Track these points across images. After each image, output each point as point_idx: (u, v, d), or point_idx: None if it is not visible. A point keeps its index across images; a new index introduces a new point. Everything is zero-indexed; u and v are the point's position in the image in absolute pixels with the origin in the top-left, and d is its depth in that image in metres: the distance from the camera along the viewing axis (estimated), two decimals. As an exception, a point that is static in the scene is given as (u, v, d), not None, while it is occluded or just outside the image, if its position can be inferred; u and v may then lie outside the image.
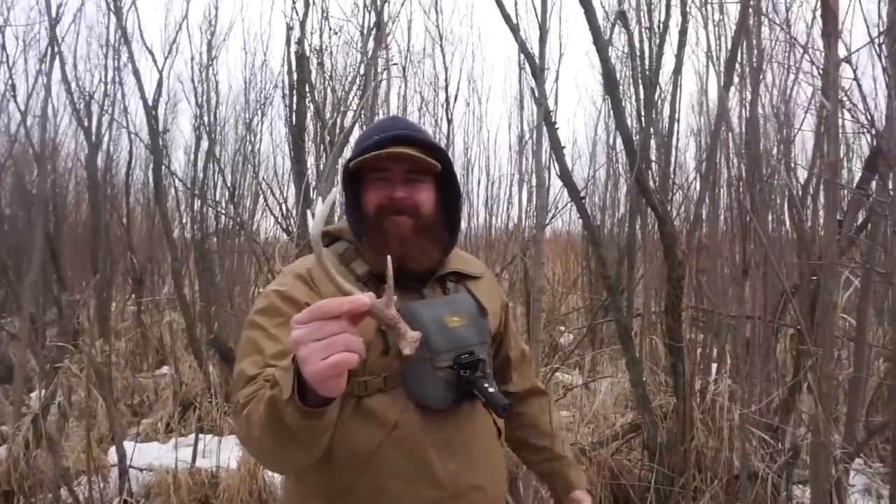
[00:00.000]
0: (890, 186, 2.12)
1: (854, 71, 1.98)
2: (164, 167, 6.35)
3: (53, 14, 5.41)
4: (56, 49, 5.55)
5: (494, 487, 1.27)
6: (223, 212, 6.82)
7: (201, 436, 4.62)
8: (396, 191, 1.23)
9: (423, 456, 1.14)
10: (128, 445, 4.03)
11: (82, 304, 6.67)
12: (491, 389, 1.15)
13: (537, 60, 3.06)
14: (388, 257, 0.86)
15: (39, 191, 5.38)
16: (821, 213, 4.09)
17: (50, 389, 4.16)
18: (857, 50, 1.96)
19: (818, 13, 2.99)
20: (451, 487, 1.16)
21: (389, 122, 1.37)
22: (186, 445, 4.51)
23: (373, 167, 1.24)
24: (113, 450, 4.15)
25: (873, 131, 2.08)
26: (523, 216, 5.22)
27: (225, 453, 4.30)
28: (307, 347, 0.76)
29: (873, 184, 2.87)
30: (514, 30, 3.30)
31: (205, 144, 6.74)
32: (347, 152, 4.87)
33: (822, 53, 2.39)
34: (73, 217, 8.73)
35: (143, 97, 5.82)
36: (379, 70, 4.53)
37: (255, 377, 1.04)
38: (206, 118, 6.61)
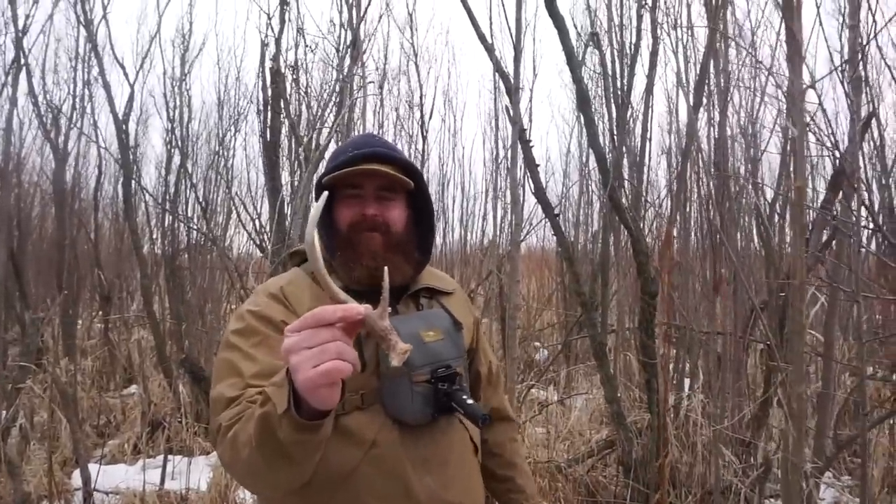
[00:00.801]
0: (853, 207, 2.19)
1: (819, 96, 2.05)
2: (134, 182, 6.24)
3: (21, 25, 5.32)
4: (23, 61, 5.44)
5: (473, 503, 1.27)
6: (195, 227, 6.72)
7: (170, 457, 4.51)
8: (368, 207, 1.24)
9: (400, 473, 1.14)
10: (93, 468, 3.91)
11: (46, 321, 6.48)
12: (469, 401, 1.15)
13: (512, 80, 3.10)
14: (385, 269, 0.85)
15: (3, 205, 5.24)
16: (787, 230, 4.20)
17: (11, 411, 4.01)
18: (822, 78, 2.03)
19: (783, 38, 3.10)
20: None
21: (364, 139, 1.37)
22: (155, 467, 4.39)
23: (346, 183, 1.24)
24: (77, 473, 4.02)
25: (837, 154, 2.15)
26: (498, 232, 5.25)
27: (195, 475, 4.19)
28: (298, 355, 0.75)
29: (836, 204, 2.97)
30: (490, 49, 3.34)
31: (177, 159, 6.65)
32: (322, 169, 4.85)
33: (787, 77, 2.47)
34: (38, 232, 8.51)
35: (113, 111, 5.73)
36: (355, 87, 4.54)
37: (236, 399, 1.02)
38: (178, 133, 6.53)
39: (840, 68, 1.87)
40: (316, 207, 0.81)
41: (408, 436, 1.16)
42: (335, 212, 1.26)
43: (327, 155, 4.10)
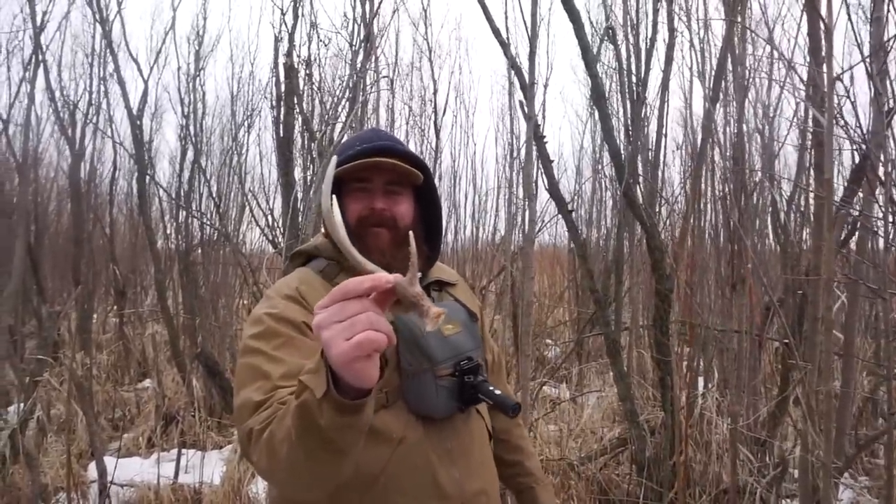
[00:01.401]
0: (881, 202, 2.14)
1: (846, 88, 2.01)
2: (148, 177, 6.28)
3: (38, 22, 5.37)
4: (40, 57, 5.49)
5: (494, 490, 1.28)
6: (208, 223, 6.76)
7: (184, 451, 4.54)
8: (377, 201, 1.23)
9: (428, 468, 1.13)
10: (108, 461, 3.95)
11: (63, 315, 6.55)
12: (497, 391, 1.15)
13: (527, 76, 3.08)
14: (411, 233, 0.83)
15: (21, 200, 5.29)
16: (805, 227, 4.15)
17: (29, 403, 4.06)
18: (851, 68, 1.99)
19: (804, 30, 3.05)
20: (456, 496, 1.15)
21: (372, 133, 1.36)
22: (169, 461, 4.43)
23: (354, 177, 1.24)
24: (93, 465, 4.06)
25: (863, 146, 2.11)
26: (511, 228, 5.22)
27: (208, 469, 4.22)
28: (329, 330, 0.72)
29: (856, 198, 2.92)
30: (505, 45, 3.32)
31: (190, 155, 6.69)
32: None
33: (807, 69, 2.43)
34: (55, 227, 8.61)
35: (127, 107, 5.78)
36: (368, 83, 4.53)
37: (265, 402, 0.99)
38: (192, 128, 6.57)
39: (867, 60, 1.83)
40: (328, 175, 0.80)
41: (432, 430, 1.16)
42: (343, 206, 1.25)
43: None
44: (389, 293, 0.75)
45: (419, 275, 1.18)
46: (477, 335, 1.27)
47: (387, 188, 1.25)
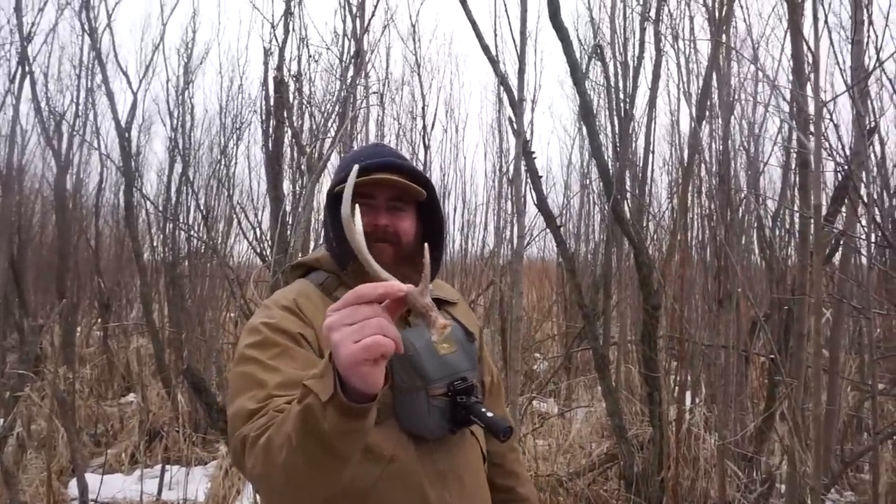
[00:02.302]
0: (863, 222, 2.18)
1: (830, 112, 2.05)
2: (135, 189, 6.24)
3: (25, 33, 5.34)
4: (27, 68, 5.45)
5: None
6: (196, 235, 6.71)
7: (168, 467, 4.47)
8: (380, 217, 1.23)
9: (418, 489, 1.12)
10: (90, 478, 3.87)
11: (46, 329, 6.45)
12: (489, 414, 1.13)
13: (516, 93, 3.10)
14: (426, 245, 0.84)
15: (4, 212, 5.23)
16: (791, 243, 4.20)
17: (9, 419, 3.98)
18: (836, 97, 2.03)
19: (787, 52, 3.11)
20: None
21: (374, 148, 1.36)
22: (152, 477, 4.36)
23: (357, 193, 1.23)
24: (74, 483, 3.98)
25: (846, 167, 2.15)
26: (500, 242, 5.24)
27: (193, 485, 4.16)
28: (339, 332, 0.74)
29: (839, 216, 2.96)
30: (494, 62, 3.35)
31: (178, 167, 6.65)
32: (324, 179, 4.84)
33: (793, 90, 2.47)
34: (39, 239, 8.50)
35: (115, 119, 5.74)
36: (358, 98, 4.54)
37: (259, 410, 0.99)
38: (180, 141, 6.54)
39: (851, 86, 1.87)
40: (349, 183, 0.81)
41: (424, 450, 1.14)
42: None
43: (331, 165, 4.09)
44: (401, 302, 0.77)
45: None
46: (473, 356, 1.26)
47: (390, 204, 1.24)
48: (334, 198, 1.26)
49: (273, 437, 0.91)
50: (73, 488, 4.01)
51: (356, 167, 0.85)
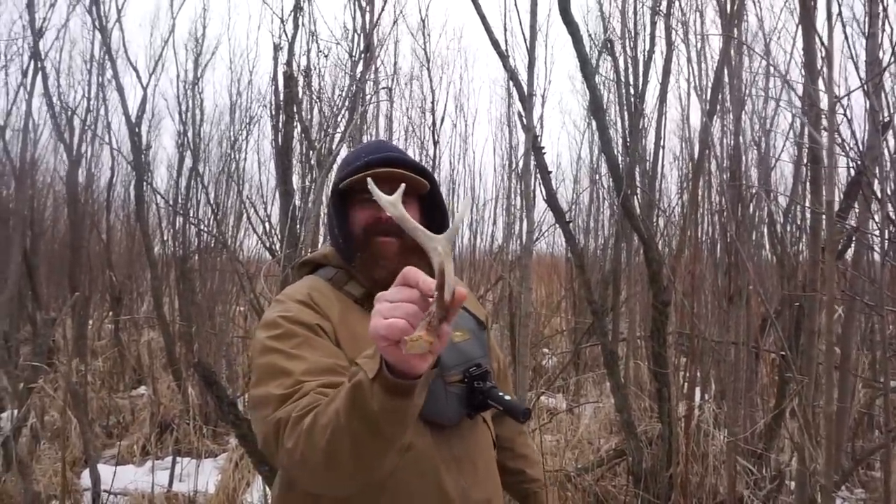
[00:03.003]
0: (877, 219, 2.16)
1: (843, 108, 2.03)
2: (146, 184, 6.28)
3: (37, 28, 5.38)
4: (39, 64, 5.49)
5: (498, 499, 1.29)
6: (205, 229, 6.75)
7: (179, 459, 4.52)
8: (383, 211, 1.24)
9: (435, 475, 1.14)
10: (102, 469, 3.92)
11: (58, 321, 6.52)
12: (507, 397, 1.16)
13: (526, 88, 3.09)
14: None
15: (18, 206, 5.28)
16: (802, 239, 4.16)
17: (23, 410, 4.03)
18: (850, 93, 2.01)
19: (799, 46, 3.07)
20: None
21: (376, 144, 1.39)
22: (163, 469, 4.40)
23: (360, 188, 1.24)
24: (86, 473, 4.03)
25: (859, 163, 2.13)
26: (509, 238, 5.23)
27: (203, 477, 4.20)
28: (379, 303, 0.77)
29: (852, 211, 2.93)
30: (504, 57, 3.34)
31: (188, 161, 6.69)
32: (334, 173, 4.84)
33: (805, 85, 2.45)
34: (51, 233, 8.58)
35: (126, 113, 5.78)
36: (368, 93, 4.54)
37: (290, 396, 1.00)
38: (190, 135, 6.57)
39: (865, 82, 1.85)
40: (398, 192, 0.84)
41: (440, 437, 1.16)
42: (350, 217, 1.27)
43: (340, 160, 4.09)
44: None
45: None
46: (484, 343, 1.30)
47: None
48: (339, 194, 1.28)
49: (318, 417, 0.92)
50: (85, 479, 4.05)
51: (402, 186, 0.87)
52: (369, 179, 0.86)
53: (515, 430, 1.50)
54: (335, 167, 4.57)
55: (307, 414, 0.95)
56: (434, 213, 1.34)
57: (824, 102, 1.86)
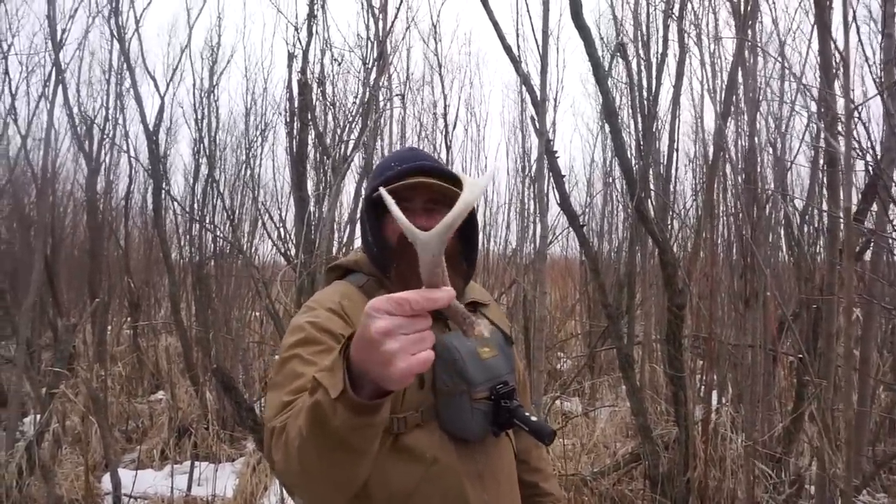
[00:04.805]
0: (894, 222, 2.14)
1: (858, 111, 2.01)
2: (163, 191, 6.36)
3: (58, 40, 5.48)
4: (59, 75, 5.60)
5: None
6: (222, 236, 6.82)
7: (197, 463, 4.56)
8: (417, 219, 1.23)
9: (459, 491, 1.13)
10: (122, 473, 3.97)
11: (79, 328, 6.62)
12: (533, 418, 1.15)
13: (538, 93, 3.10)
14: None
15: (40, 214, 5.37)
16: (819, 241, 4.12)
17: (45, 416, 4.10)
18: (867, 101, 2.00)
19: (814, 47, 3.06)
20: None
21: (408, 153, 1.38)
22: (182, 473, 4.45)
23: (394, 196, 1.24)
24: (107, 477, 4.08)
25: (874, 165, 2.11)
26: (523, 242, 5.23)
27: (221, 481, 4.24)
28: (397, 341, 0.71)
29: (870, 214, 2.90)
30: (516, 62, 3.36)
31: (205, 169, 6.77)
32: (348, 179, 4.87)
33: (821, 89, 2.43)
34: (70, 240, 8.72)
35: (144, 122, 5.86)
36: (381, 100, 4.57)
37: (291, 403, 1.00)
38: (206, 143, 6.66)
39: (882, 89, 1.83)
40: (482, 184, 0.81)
41: (464, 452, 1.16)
42: (384, 227, 1.27)
43: (354, 166, 4.13)
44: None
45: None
46: (511, 359, 1.28)
47: (426, 206, 1.26)
48: (372, 203, 1.27)
49: (288, 428, 0.92)
50: (106, 483, 4.11)
51: (383, 191, 0.85)
52: (383, 191, 0.84)
53: (532, 443, 1.47)
54: (350, 173, 4.61)
55: (285, 425, 0.94)
56: (469, 220, 1.30)
57: (840, 106, 1.85)
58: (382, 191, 0.84)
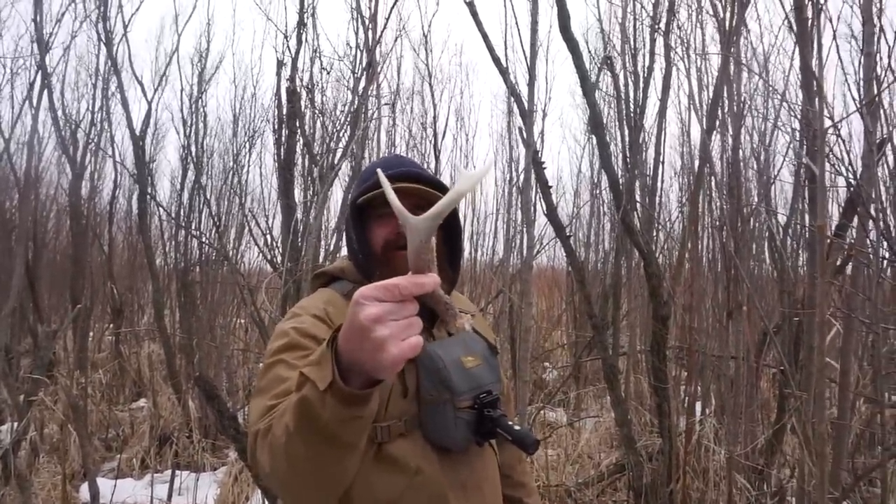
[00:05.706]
0: (871, 236, 2.17)
1: (837, 128, 2.05)
2: (148, 196, 6.31)
3: (44, 44, 5.44)
4: (45, 79, 5.55)
5: None
6: (207, 242, 6.77)
7: (178, 472, 4.50)
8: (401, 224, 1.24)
9: (443, 501, 1.13)
10: (101, 482, 3.90)
11: (59, 334, 6.53)
12: (517, 427, 1.15)
13: (526, 104, 3.13)
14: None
15: (22, 218, 5.31)
16: (801, 255, 4.17)
17: (22, 423, 4.03)
18: (843, 119, 2.03)
19: (796, 64, 3.11)
20: None
21: (393, 159, 1.39)
22: (162, 482, 4.39)
23: (378, 203, 1.25)
24: (85, 487, 4.02)
25: (853, 180, 2.15)
26: (510, 253, 5.25)
27: (202, 490, 4.19)
28: (387, 327, 0.71)
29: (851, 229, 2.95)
30: (505, 73, 3.38)
31: (191, 175, 6.73)
32: (335, 187, 4.87)
33: (802, 105, 2.48)
34: (52, 245, 8.62)
35: (130, 127, 5.82)
36: (370, 109, 4.59)
37: (274, 407, 0.99)
38: (193, 149, 6.62)
39: (860, 106, 1.87)
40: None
41: (448, 462, 1.16)
42: (368, 232, 1.27)
43: (342, 174, 4.13)
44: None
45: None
46: (496, 369, 1.27)
47: (412, 212, 1.27)
48: (357, 209, 1.28)
49: (275, 429, 0.91)
50: (84, 492, 4.04)
51: (380, 171, 0.85)
52: (382, 176, 0.83)
53: (516, 457, 1.48)
54: (337, 181, 4.60)
55: (270, 425, 0.93)
56: (451, 227, 1.32)
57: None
58: (379, 172, 0.84)
